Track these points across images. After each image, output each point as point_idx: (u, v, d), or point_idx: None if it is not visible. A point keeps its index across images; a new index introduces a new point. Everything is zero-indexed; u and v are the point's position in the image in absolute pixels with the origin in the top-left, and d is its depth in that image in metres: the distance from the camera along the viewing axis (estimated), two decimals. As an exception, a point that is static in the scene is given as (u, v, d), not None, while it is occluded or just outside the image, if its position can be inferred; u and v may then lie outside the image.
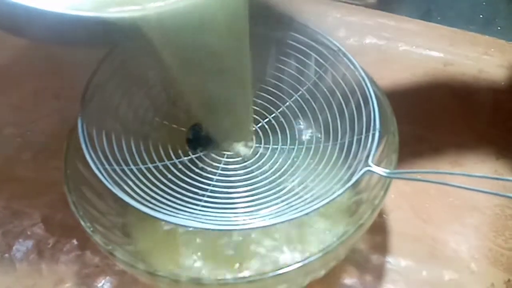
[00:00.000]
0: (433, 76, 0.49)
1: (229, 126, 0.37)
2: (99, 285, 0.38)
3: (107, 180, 0.31)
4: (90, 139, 0.32)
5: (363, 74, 0.35)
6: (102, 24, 0.28)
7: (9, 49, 0.50)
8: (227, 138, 0.37)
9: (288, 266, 0.30)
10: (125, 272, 0.37)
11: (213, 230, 0.30)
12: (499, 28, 0.55)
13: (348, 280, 0.38)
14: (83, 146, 0.32)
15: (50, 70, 0.49)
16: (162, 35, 0.30)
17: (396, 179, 0.31)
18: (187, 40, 0.31)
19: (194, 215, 0.31)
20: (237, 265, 0.35)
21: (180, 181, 0.34)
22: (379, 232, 0.40)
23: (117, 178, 0.32)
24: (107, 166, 0.32)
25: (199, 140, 0.37)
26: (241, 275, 0.35)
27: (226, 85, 0.34)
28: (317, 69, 0.39)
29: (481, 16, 0.56)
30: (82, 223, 0.31)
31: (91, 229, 0.31)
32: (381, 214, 0.41)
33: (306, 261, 0.30)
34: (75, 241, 0.40)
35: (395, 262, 0.39)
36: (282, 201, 0.33)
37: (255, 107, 0.38)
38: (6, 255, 0.39)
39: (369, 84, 0.35)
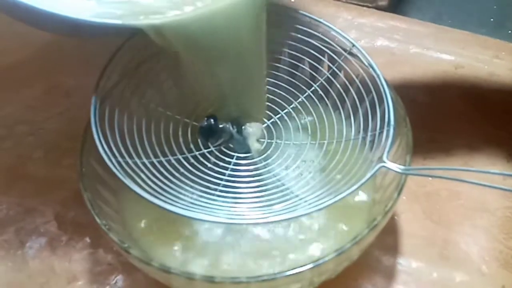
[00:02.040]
0: (443, 79, 0.49)
1: (246, 104, 0.37)
2: (112, 282, 0.38)
3: (120, 173, 0.31)
4: (103, 133, 0.33)
5: (378, 71, 0.36)
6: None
7: (20, 48, 0.50)
8: (244, 115, 0.37)
9: (301, 266, 0.30)
10: (137, 269, 0.37)
11: (224, 223, 0.30)
12: (509, 31, 0.55)
13: (359, 281, 0.38)
14: (96, 138, 0.32)
15: (61, 68, 0.49)
16: (188, 38, 0.30)
17: (411, 175, 0.32)
18: (208, 41, 0.31)
19: (207, 209, 0.31)
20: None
21: (193, 175, 0.34)
22: (390, 233, 0.40)
23: (130, 171, 0.32)
24: (120, 159, 0.32)
25: (212, 131, 0.36)
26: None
27: (243, 67, 0.35)
28: (331, 65, 0.39)
29: (491, 19, 0.56)
30: (98, 220, 0.32)
31: (107, 226, 0.31)
32: (392, 216, 0.40)
33: (319, 262, 0.30)
34: (87, 239, 0.40)
35: (406, 263, 0.39)
36: (295, 197, 0.33)
37: (268, 103, 0.38)
38: (19, 252, 0.40)
39: (383, 81, 0.35)
